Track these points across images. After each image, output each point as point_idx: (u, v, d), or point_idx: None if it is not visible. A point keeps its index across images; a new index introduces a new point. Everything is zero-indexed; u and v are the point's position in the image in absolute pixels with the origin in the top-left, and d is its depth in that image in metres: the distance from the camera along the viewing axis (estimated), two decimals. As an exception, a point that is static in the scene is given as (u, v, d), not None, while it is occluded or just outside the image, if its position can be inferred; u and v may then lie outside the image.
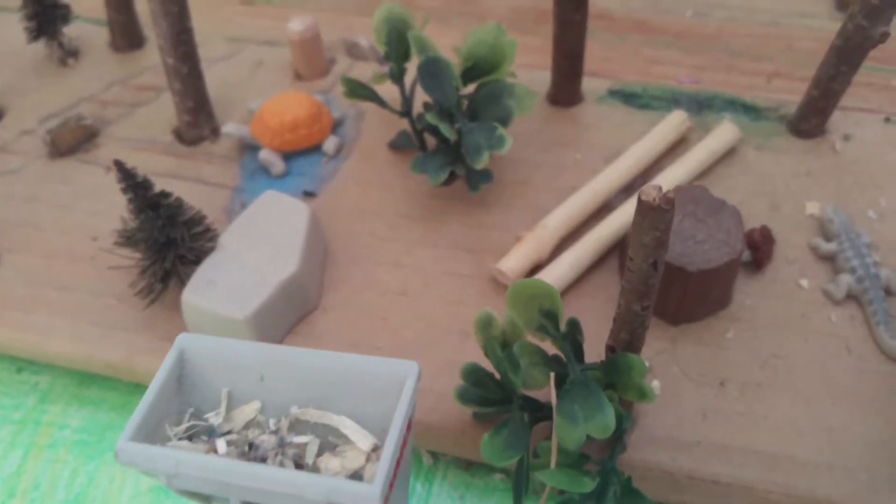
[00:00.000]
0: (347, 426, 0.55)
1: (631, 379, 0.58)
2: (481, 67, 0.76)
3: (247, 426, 0.57)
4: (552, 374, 0.58)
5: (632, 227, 0.52)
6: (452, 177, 0.77)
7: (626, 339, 0.59)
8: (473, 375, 0.63)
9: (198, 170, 0.85)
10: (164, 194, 0.69)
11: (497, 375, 0.62)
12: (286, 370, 0.56)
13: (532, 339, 0.60)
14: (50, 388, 0.78)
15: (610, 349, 0.61)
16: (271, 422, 0.56)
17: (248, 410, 0.57)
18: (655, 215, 0.50)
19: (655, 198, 0.49)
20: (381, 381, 0.54)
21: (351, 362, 0.55)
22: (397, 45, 0.78)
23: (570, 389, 0.57)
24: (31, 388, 0.78)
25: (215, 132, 0.87)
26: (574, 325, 0.60)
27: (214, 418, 0.56)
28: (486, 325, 0.61)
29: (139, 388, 0.76)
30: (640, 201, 0.50)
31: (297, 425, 0.56)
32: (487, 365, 0.62)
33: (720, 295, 0.70)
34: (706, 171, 0.80)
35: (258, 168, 0.84)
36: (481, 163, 0.71)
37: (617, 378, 0.59)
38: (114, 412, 0.76)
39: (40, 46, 0.96)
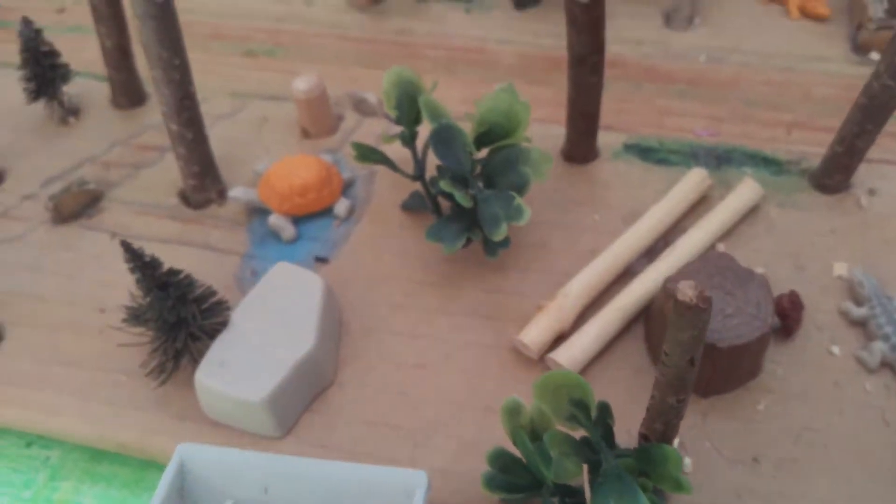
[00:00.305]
0: None
1: (667, 471, 0.56)
2: (496, 133, 0.74)
3: None
4: (585, 467, 0.56)
5: (669, 324, 0.50)
6: (468, 241, 0.75)
7: (661, 429, 0.57)
8: (500, 461, 0.61)
9: (205, 235, 0.82)
10: (174, 272, 0.67)
11: (525, 460, 0.60)
12: (292, 481, 0.54)
13: (561, 427, 0.58)
14: (61, 463, 0.76)
15: (643, 437, 0.59)
16: None
17: None
18: (693, 315, 0.48)
19: (692, 297, 0.47)
20: (391, 492, 0.53)
21: (358, 472, 0.53)
22: (408, 109, 0.76)
23: (605, 483, 0.55)
24: (41, 463, 0.76)
25: (222, 195, 0.84)
26: (605, 410, 0.58)
27: None
28: (513, 413, 0.59)
29: (152, 463, 0.73)
30: (676, 301, 0.48)
31: None
32: (511, 446, 0.59)
33: (751, 366, 0.68)
34: (729, 231, 0.78)
35: (268, 233, 0.82)
36: (500, 234, 0.69)
37: (651, 468, 0.57)
38: (126, 489, 0.74)
39: (40, 106, 0.93)
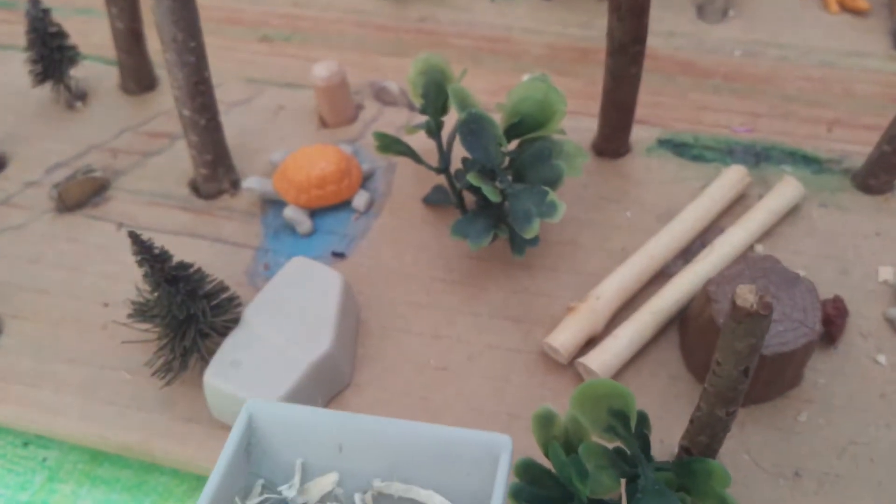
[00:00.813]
0: (436, 502, 0.52)
1: (711, 488, 0.52)
2: (528, 124, 0.70)
3: (323, 500, 0.54)
4: (623, 482, 0.53)
5: (723, 330, 0.46)
6: (495, 237, 0.71)
7: (706, 442, 0.53)
8: (529, 473, 0.57)
9: (217, 227, 0.78)
10: (184, 266, 0.64)
11: (556, 472, 0.56)
12: (368, 441, 0.52)
13: (597, 439, 0.54)
14: (59, 464, 0.72)
15: (685, 450, 0.55)
16: (356, 497, 0.53)
17: (325, 483, 0.54)
18: (752, 322, 0.44)
19: (753, 303, 0.43)
20: (472, 455, 0.52)
21: (439, 434, 0.52)
22: (435, 98, 0.72)
23: (644, 498, 0.52)
24: (38, 464, 0.72)
25: (235, 185, 0.81)
26: (643, 420, 0.55)
27: (288, 491, 0.53)
28: (546, 423, 0.55)
29: (155, 466, 0.70)
30: (735, 306, 0.44)
31: (380, 500, 0.53)
32: (539, 455, 0.56)
33: (792, 375, 0.64)
34: (768, 232, 0.74)
35: (283, 225, 0.78)
36: (532, 232, 0.65)
37: (692, 483, 0.53)
38: (127, 493, 0.70)
39: (46, 89, 0.90)
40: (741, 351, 0.46)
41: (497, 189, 0.67)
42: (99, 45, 0.94)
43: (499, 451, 0.52)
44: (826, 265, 0.72)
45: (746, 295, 0.44)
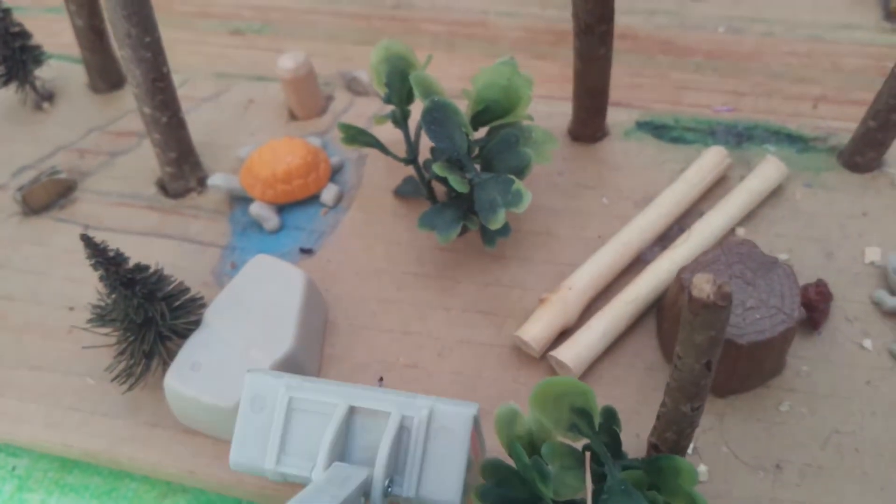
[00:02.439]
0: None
1: (678, 486, 0.50)
2: (494, 111, 0.67)
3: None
4: (588, 481, 0.50)
5: (682, 323, 0.43)
6: (465, 229, 0.69)
7: (673, 438, 0.51)
8: (496, 473, 0.55)
9: (184, 226, 0.77)
10: (140, 268, 0.62)
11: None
12: None
13: (562, 438, 0.52)
14: (29, 473, 0.71)
15: (653, 447, 0.53)
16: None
17: None
18: (710, 314, 0.42)
19: (709, 293, 0.41)
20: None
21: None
22: (399, 86, 0.70)
23: (609, 499, 0.49)
24: (7, 473, 0.71)
25: (202, 183, 0.79)
26: (610, 416, 0.52)
27: None
28: (509, 422, 0.53)
29: (126, 473, 0.68)
30: (691, 297, 0.41)
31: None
32: (508, 455, 0.53)
33: (773, 364, 0.61)
34: (750, 215, 0.71)
35: (250, 223, 0.76)
36: (497, 223, 0.63)
37: (662, 481, 0.51)
38: (98, 500, 0.69)
39: (11, 91, 0.88)
40: (701, 344, 0.43)
41: (464, 179, 0.65)
42: (68, 43, 0.92)
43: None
44: (810, 247, 0.69)
45: (703, 285, 0.41)
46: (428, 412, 0.52)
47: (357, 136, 0.71)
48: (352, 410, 0.53)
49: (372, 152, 0.80)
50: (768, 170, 0.72)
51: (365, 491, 0.50)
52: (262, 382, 0.54)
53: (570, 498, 0.51)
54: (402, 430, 0.52)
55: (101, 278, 0.60)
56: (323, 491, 0.47)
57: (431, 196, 0.72)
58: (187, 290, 0.65)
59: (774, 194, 0.73)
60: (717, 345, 0.44)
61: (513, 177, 0.64)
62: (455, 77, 0.85)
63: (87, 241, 0.59)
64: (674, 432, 0.50)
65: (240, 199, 0.77)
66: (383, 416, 0.52)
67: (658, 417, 0.51)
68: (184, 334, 0.64)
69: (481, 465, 0.54)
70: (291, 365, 0.62)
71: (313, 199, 0.77)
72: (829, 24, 0.88)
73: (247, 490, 0.62)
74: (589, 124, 0.76)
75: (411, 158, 0.71)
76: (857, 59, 0.84)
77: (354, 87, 0.85)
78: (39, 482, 0.70)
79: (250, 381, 0.54)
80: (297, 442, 0.53)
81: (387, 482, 0.51)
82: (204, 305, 0.66)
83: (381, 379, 0.65)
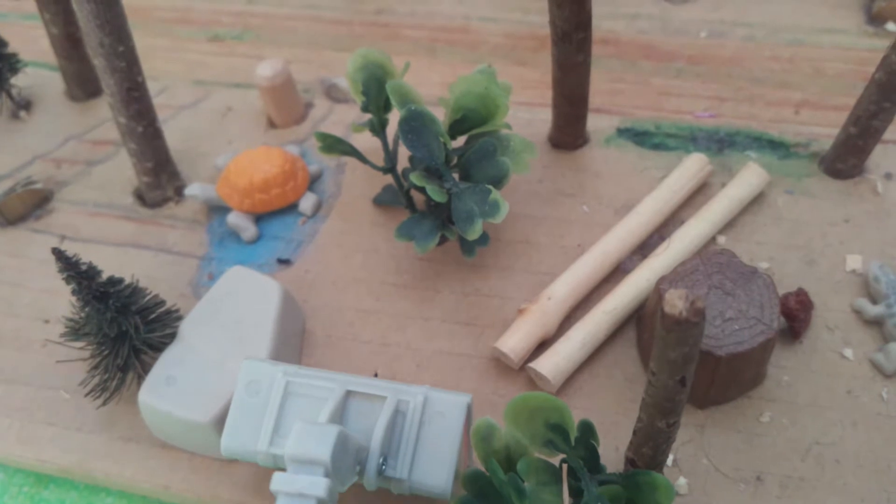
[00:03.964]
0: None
1: (656, 502, 0.49)
2: (471, 120, 0.67)
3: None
4: (567, 498, 0.50)
5: (656, 339, 0.43)
6: (443, 239, 0.68)
7: (650, 454, 0.50)
8: (476, 485, 0.54)
9: (161, 237, 0.76)
10: (113, 282, 0.61)
11: (500, 488, 0.53)
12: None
13: (539, 453, 0.51)
14: (4, 488, 0.70)
15: (630, 462, 0.52)
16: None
17: None
18: (683, 330, 0.41)
19: (682, 310, 0.40)
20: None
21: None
22: (376, 95, 0.69)
23: (586, 515, 0.49)
24: (-17, 488, 0.70)
25: (180, 192, 0.78)
26: (587, 430, 0.52)
27: None
28: (486, 436, 0.52)
29: (102, 488, 0.68)
30: (664, 314, 0.41)
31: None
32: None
33: (753, 374, 0.61)
34: (731, 222, 0.71)
35: (228, 233, 0.75)
36: (474, 233, 0.62)
37: (639, 497, 0.50)
38: (74, 516, 0.68)
39: (-13, 99, 0.87)
40: (675, 360, 0.43)
41: (442, 189, 0.64)
42: (46, 51, 0.91)
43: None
44: (791, 255, 0.69)
45: (675, 301, 0.41)
46: (423, 398, 0.54)
47: (335, 145, 0.71)
48: (348, 395, 0.55)
49: (351, 160, 0.79)
50: (749, 176, 0.71)
51: (360, 460, 0.52)
52: (258, 368, 0.56)
53: (547, 513, 0.51)
54: (398, 414, 0.54)
55: (74, 292, 0.60)
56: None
57: (410, 205, 0.72)
58: (162, 302, 0.65)
59: (756, 201, 0.72)
60: (692, 361, 0.43)
61: (490, 187, 0.63)
62: (436, 84, 0.85)
63: (59, 254, 0.58)
64: (650, 448, 0.50)
65: (217, 209, 0.77)
66: (379, 400, 0.54)
67: (634, 433, 0.50)
68: (159, 347, 0.63)
69: (462, 476, 0.54)
70: (267, 378, 0.61)
71: (292, 208, 0.76)
72: (811, 28, 0.88)
73: (223, 504, 0.62)
74: (569, 131, 0.76)
75: (390, 167, 0.71)
76: (839, 64, 0.84)
77: (334, 94, 0.85)
78: (14, 497, 0.69)
79: (247, 367, 0.56)
80: (291, 424, 0.53)
81: (381, 460, 0.52)
82: (179, 318, 0.65)
83: (376, 374, 0.65)
